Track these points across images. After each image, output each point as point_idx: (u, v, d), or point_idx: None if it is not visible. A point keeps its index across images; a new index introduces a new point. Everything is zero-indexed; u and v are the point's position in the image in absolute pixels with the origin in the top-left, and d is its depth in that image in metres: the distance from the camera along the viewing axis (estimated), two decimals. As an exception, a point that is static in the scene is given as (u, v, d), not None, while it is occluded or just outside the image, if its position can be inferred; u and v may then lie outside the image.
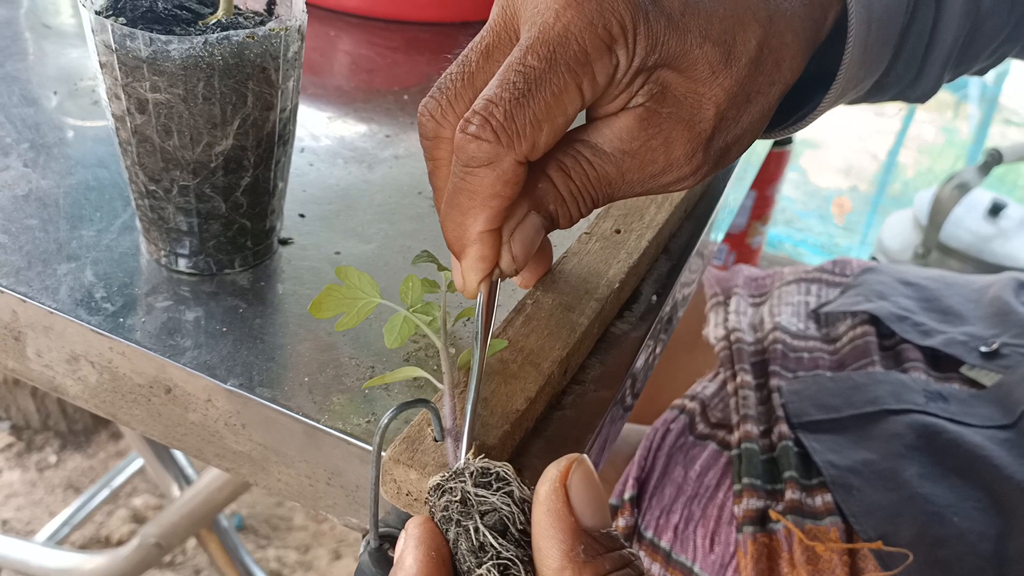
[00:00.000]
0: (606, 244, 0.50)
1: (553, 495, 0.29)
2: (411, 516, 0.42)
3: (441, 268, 0.43)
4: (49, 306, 0.44)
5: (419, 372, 0.40)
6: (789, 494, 0.66)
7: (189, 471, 1.12)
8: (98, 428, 1.60)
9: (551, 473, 0.30)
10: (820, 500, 0.66)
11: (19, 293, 0.44)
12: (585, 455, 0.31)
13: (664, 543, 0.67)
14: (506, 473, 0.32)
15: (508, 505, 0.31)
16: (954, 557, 0.61)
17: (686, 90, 0.38)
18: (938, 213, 1.55)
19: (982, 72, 0.59)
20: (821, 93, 0.45)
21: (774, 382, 0.76)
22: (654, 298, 0.51)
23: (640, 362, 0.49)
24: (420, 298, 0.42)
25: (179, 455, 1.12)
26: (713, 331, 0.85)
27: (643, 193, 0.41)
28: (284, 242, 0.50)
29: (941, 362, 0.79)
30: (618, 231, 0.51)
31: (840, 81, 0.44)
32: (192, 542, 1.42)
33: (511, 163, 0.35)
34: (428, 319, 0.41)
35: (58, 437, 1.57)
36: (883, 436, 0.69)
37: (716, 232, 0.65)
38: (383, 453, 0.36)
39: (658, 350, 0.56)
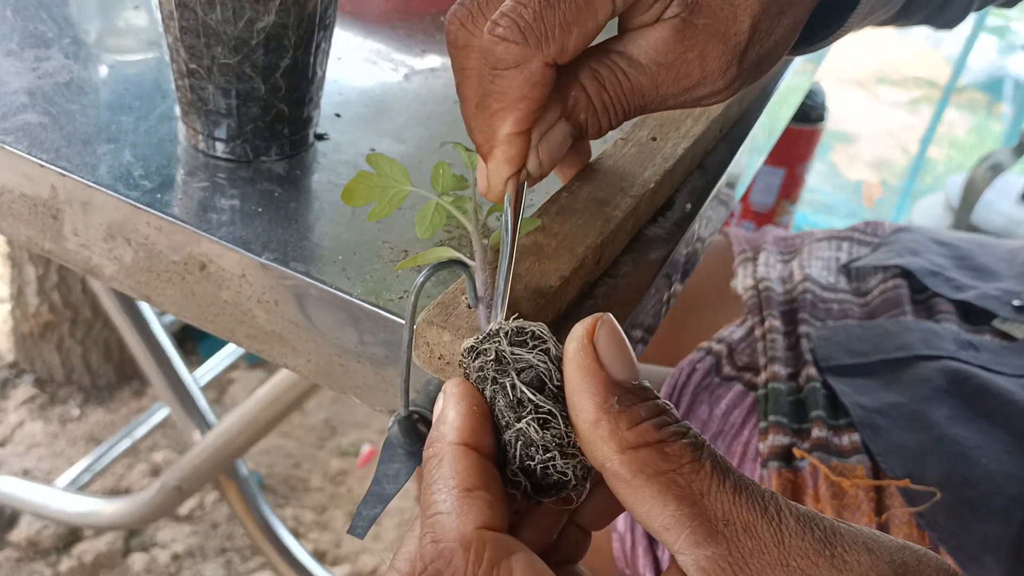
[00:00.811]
0: (642, 149, 0.50)
1: (582, 351, 0.29)
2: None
3: (467, 150, 0.43)
4: (88, 180, 0.44)
5: (451, 252, 0.40)
6: (816, 432, 0.65)
7: (211, 417, 1.12)
8: (121, 384, 1.61)
9: (578, 331, 0.30)
10: (847, 439, 0.65)
11: (59, 167, 0.45)
12: (610, 314, 0.31)
13: (687, 478, 0.66)
14: (541, 331, 0.32)
15: (544, 362, 0.31)
16: (981, 497, 0.61)
17: (721, 1, 0.38)
18: (970, 194, 1.53)
19: (1010, 3, 0.58)
20: (848, 14, 0.45)
21: (802, 328, 0.76)
22: (688, 207, 0.51)
23: (666, 266, 0.48)
24: (451, 185, 0.42)
25: (202, 401, 1.12)
26: (741, 282, 0.85)
27: (676, 106, 0.41)
28: (320, 137, 0.51)
29: (973, 315, 0.78)
30: (654, 139, 0.51)
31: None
32: (211, 497, 1.43)
33: (539, 65, 0.35)
34: (460, 210, 0.41)
35: (81, 391, 1.58)
36: (912, 380, 0.68)
37: (738, 186, 0.65)
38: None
39: (675, 288, 0.55)
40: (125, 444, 1.38)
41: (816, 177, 2.53)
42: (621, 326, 0.43)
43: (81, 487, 1.32)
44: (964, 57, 2.15)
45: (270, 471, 1.51)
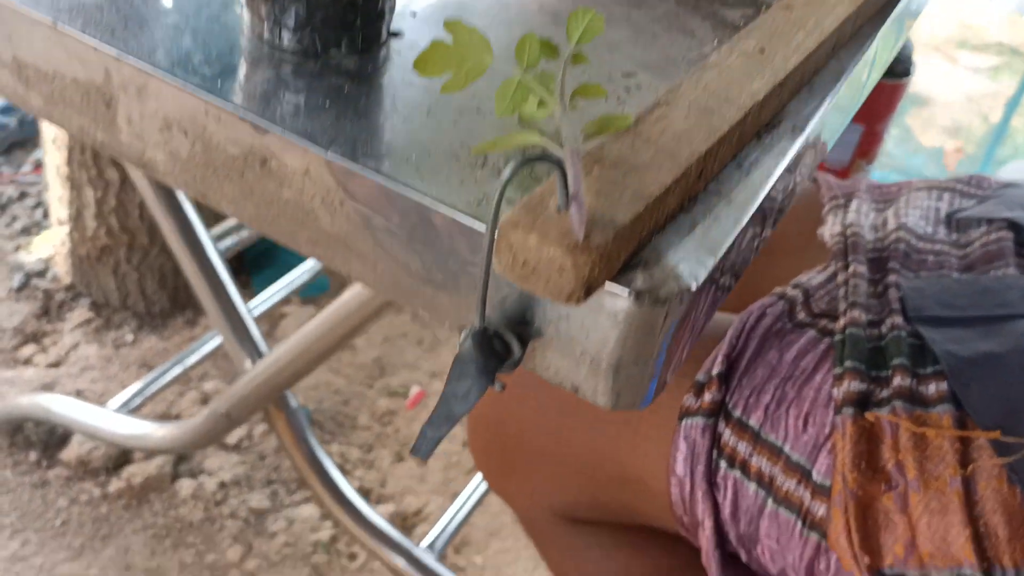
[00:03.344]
0: (749, 61, 0.45)
1: None
2: (516, 320, 0.38)
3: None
4: (144, 64, 0.41)
5: (536, 138, 0.36)
6: (898, 380, 0.60)
7: (262, 346, 1.11)
8: (174, 313, 1.61)
9: None
10: (933, 388, 0.60)
11: (114, 49, 0.41)
12: None
13: (753, 422, 0.62)
14: None
15: None
16: (1083, 459, 0.56)
17: None
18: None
19: None
20: None
21: (891, 278, 0.70)
22: (793, 128, 0.46)
23: (772, 184, 0.43)
24: (538, 60, 0.37)
25: (255, 330, 1.11)
26: (829, 229, 0.79)
27: None
28: (394, 34, 0.46)
29: (1082, 276, 0.72)
30: (762, 51, 0.46)
31: None
32: (259, 429, 1.43)
33: None
34: (546, 89, 0.37)
35: (135, 317, 1.59)
36: (1011, 335, 0.63)
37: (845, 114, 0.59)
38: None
39: (765, 233, 0.50)
40: (176, 371, 1.37)
41: (890, 140, 2.42)
42: (723, 246, 0.38)
43: (132, 411, 1.32)
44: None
45: (318, 407, 1.50)
